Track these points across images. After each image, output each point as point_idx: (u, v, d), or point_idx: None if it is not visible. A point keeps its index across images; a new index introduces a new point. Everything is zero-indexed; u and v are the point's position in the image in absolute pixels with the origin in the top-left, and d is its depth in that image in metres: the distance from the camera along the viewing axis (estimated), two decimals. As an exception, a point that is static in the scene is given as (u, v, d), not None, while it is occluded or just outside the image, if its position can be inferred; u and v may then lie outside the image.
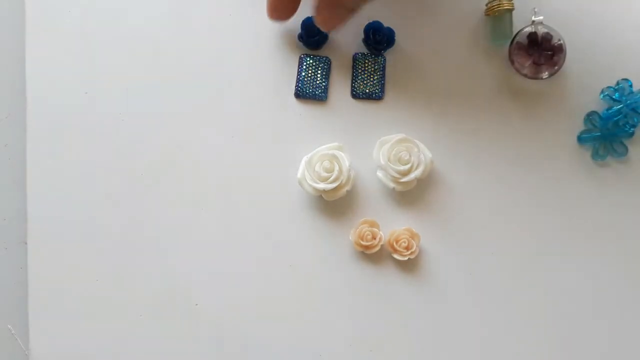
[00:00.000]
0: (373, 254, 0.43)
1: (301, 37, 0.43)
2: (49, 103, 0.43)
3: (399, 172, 0.41)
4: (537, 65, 0.42)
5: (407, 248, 0.42)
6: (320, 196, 0.42)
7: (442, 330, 0.43)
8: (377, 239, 0.42)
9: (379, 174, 0.42)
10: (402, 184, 0.42)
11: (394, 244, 0.42)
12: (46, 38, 0.44)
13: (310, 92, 0.43)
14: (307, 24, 0.42)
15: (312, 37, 0.42)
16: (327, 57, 0.43)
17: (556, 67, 0.42)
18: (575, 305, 0.43)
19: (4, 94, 0.46)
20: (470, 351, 0.43)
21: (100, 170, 0.43)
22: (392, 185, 0.42)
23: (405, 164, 0.41)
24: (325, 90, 0.43)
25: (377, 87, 0.43)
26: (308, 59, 0.43)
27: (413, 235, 0.42)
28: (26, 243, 0.43)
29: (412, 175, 0.41)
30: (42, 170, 0.43)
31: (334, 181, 0.41)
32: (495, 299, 0.43)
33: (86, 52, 0.44)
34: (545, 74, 0.42)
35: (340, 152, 0.42)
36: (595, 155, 0.43)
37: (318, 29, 0.41)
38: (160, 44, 0.44)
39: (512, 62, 0.42)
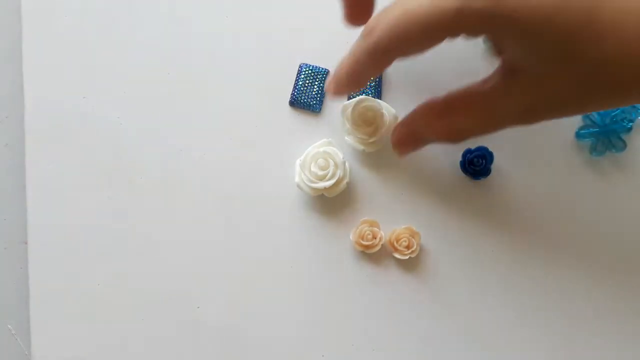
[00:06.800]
0: (374, 254, 0.43)
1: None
2: (47, 107, 0.43)
3: (366, 133, 0.41)
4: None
5: (407, 247, 0.42)
6: (320, 196, 0.42)
7: (444, 328, 0.43)
8: (378, 239, 0.42)
9: (347, 138, 0.42)
10: (371, 145, 0.42)
11: (395, 243, 0.42)
12: (43, 41, 0.44)
13: (304, 101, 0.43)
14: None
15: None
16: (325, 69, 0.43)
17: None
18: (575, 302, 0.43)
19: (4, 94, 0.46)
20: (472, 350, 0.43)
21: (100, 171, 0.43)
22: (361, 147, 0.42)
23: (370, 125, 0.41)
24: (320, 102, 0.43)
25: (374, 95, 0.43)
26: (306, 69, 0.43)
27: (413, 234, 0.42)
28: (26, 243, 0.43)
29: (379, 135, 0.41)
30: (42, 170, 0.43)
31: (331, 177, 0.41)
32: (497, 297, 0.43)
33: (83, 55, 0.44)
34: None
35: (332, 147, 0.42)
36: (594, 151, 0.43)
37: None
38: (158, 47, 0.44)
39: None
